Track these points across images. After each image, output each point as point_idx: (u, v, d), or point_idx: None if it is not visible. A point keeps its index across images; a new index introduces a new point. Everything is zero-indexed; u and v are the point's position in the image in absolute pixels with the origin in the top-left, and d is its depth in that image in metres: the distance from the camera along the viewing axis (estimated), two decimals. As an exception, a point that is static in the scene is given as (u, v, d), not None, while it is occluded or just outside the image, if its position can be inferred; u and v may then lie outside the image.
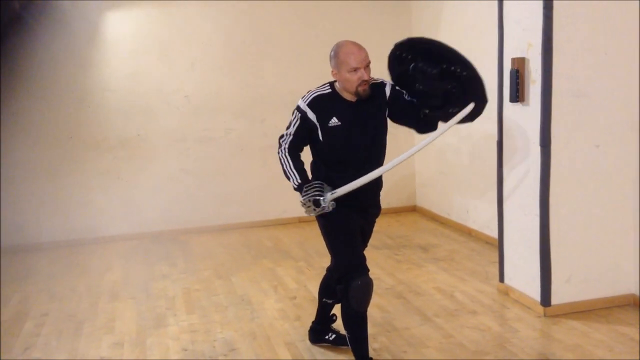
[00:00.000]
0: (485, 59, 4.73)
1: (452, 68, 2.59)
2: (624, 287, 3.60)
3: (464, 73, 2.59)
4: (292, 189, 2.83)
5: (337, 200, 2.69)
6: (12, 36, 5.37)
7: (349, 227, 2.79)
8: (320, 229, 2.90)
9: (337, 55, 2.69)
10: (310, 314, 3.58)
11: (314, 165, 2.88)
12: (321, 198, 2.65)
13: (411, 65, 2.67)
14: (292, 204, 6.22)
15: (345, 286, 2.76)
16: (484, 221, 5.20)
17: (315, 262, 4.81)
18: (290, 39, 6.06)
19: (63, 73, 5.56)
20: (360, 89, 2.65)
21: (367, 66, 2.65)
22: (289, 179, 2.82)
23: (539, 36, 3.31)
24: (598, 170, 3.47)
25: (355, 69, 2.62)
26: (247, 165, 6.10)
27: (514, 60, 3.53)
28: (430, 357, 3.08)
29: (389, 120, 2.85)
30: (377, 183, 2.86)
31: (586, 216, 3.49)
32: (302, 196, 2.71)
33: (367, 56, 2.66)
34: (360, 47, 2.68)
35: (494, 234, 4.29)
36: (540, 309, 3.52)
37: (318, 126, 2.72)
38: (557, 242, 3.46)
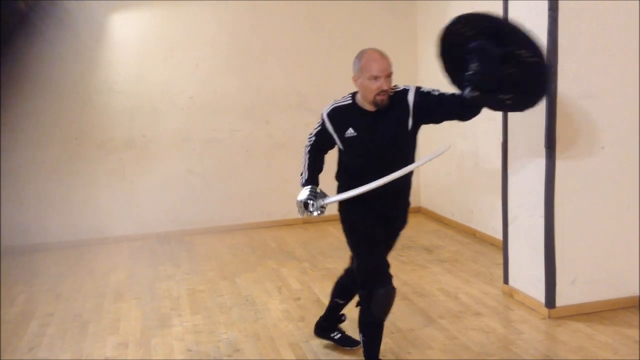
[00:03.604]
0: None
1: (519, 52, 2.48)
2: (629, 289, 3.59)
3: (531, 59, 2.48)
4: (300, 185, 2.91)
5: (363, 206, 2.74)
6: (18, 37, 5.39)
7: (373, 233, 2.76)
8: (344, 232, 2.89)
9: (360, 61, 2.64)
10: (314, 315, 3.59)
11: (337, 172, 2.92)
12: (310, 202, 2.75)
13: (472, 43, 2.54)
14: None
15: (368, 293, 2.72)
16: (488, 222, 5.19)
17: (319, 263, 4.81)
18: (295, 40, 6.07)
19: (69, 74, 5.58)
20: (378, 98, 2.60)
21: (388, 76, 2.60)
22: (301, 175, 2.91)
23: (545, 37, 3.30)
24: (603, 171, 3.46)
25: (376, 77, 2.57)
26: (252, 166, 6.11)
27: (518, 61, 3.51)
28: (434, 358, 3.07)
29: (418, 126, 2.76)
30: (399, 196, 2.83)
31: (591, 218, 3.48)
32: (299, 196, 2.79)
33: (389, 66, 2.61)
34: (383, 56, 2.62)
35: (499, 235, 4.28)
36: (545, 310, 3.51)
37: (336, 137, 2.75)
38: (561, 243, 3.45)
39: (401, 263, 4.68)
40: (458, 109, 2.66)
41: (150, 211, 5.90)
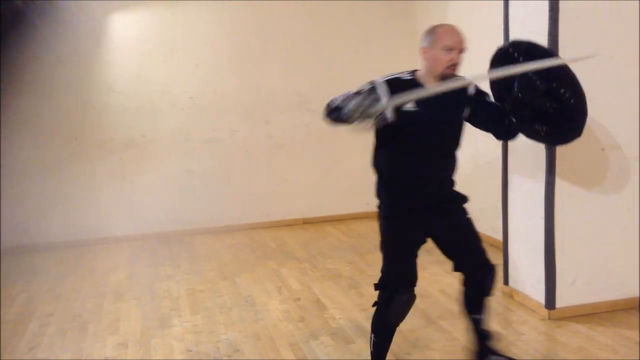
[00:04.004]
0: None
1: (561, 90, 2.52)
2: (629, 290, 3.59)
3: (571, 100, 2.53)
4: (340, 119, 2.40)
5: (397, 208, 2.60)
6: (17, 36, 5.39)
7: (405, 240, 2.65)
8: (380, 232, 2.70)
9: (434, 32, 2.52)
10: (314, 315, 3.59)
11: (377, 161, 2.68)
12: (373, 105, 2.28)
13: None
14: (297, 205, 6.25)
15: (389, 296, 2.65)
16: (488, 223, 5.18)
17: (320, 264, 4.81)
18: (294, 40, 6.07)
19: (68, 74, 5.58)
20: (447, 71, 2.48)
21: (461, 51, 2.49)
22: (339, 111, 2.38)
23: (545, 38, 3.31)
24: (603, 173, 3.46)
25: (451, 49, 2.45)
26: (252, 166, 6.11)
27: (519, 63, 3.52)
28: (435, 359, 3.07)
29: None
30: (441, 173, 2.65)
31: (591, 219, 3.48)
32: (352, 103, 2.30)
33: (463, 41, 2.50)
34: (456, 29, 2.52)
35: (499, 236, 4.27)
36: (545, 311, 3.51)
37: (389, 109, 2.41)
38: (561, 245, 3.45)
39: (401, 264, 4.68)
40: (499, 124, 2.66)
41: (150, 211, 5.90)
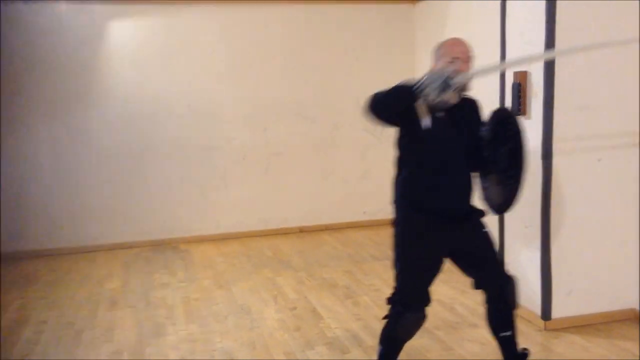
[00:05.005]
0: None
1: (509, 172, 2.60)
2: (625, 301, 3.59)
3: (511, 181, 2.60)
4: (407, 96, 2.42)
5: (415, 220, 2.59)
6: (14, 42, 5.39)
7: (421, 256, 2.63)
8: (394, 250, 2.70)
9: (440, 47, 2.62)
10: (310, 325, 3.58)
11: (398, 178, 2.69)
12: (449, 78, 2.35)
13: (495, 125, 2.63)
14: (293, 214, 6.25)
15: (399, 311, 2.65)
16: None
17: (316, 272, 4.80)
18: (293, 48, 6.08)
19: (66, 80, 5.57)
20: None
21: (467, 60, 2.55)
22: (391, 99, 2.46)
23: (542, 49, 3.33)
24: (600, 183, 3.47)
25: (456, 59, 2.52)
26: (249, 174, 6.11)
27: (516, 73, 3.54)
28: (430, 369, 3.06)
29: None
30: (460, 185, 2.64)
31: (587, 230, 3.49)
32: (427, 79, 2.36)
33: (468, 50, 2.57)
34: (461, 41, 2.61)
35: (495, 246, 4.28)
36: (541, 322, 3.51)
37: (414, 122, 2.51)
38: (558, 255, 3.46)
39: (397, 273, 4.68)
40: (477, 156, 2.66)
41: (145, 219, 5.89)
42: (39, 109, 5.53)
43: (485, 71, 2.53)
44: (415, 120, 2.52)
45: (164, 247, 5.79)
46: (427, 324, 3.59)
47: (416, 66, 6.33)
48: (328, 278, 4.64)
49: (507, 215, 3.79)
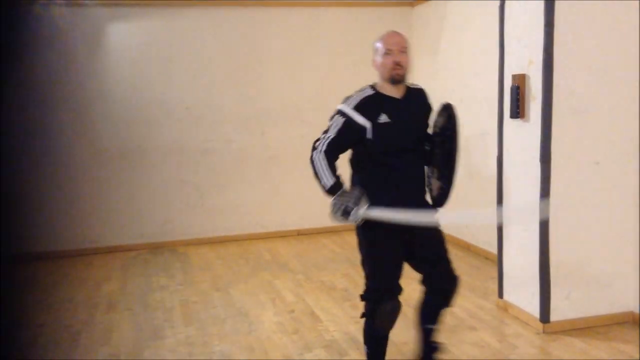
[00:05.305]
0: (486, 75, 4.78)
1: (442, 171, 2.71)
2: (624, 304, 3.59)
3: (440, 181, 2.72)
4: (323, 191, 2.60)
5: (385, 225, 2.59)
6: (13, 43, 5.39)
7: (385, 248, 2.67)
8: (360, 247, 2.77)
9: (379, 40, 2.67)
10: (308, 328, 3.57)
11: (354, 168, 2.76)
12: (353, 209, 2.49)
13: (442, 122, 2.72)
14: (291, 217, 6.24)
15: (373, 306, 2.69)
16: (482, 236, 5.19)
17: (314, 275, 4.79)
18: (291, 52, 6.09)
19: (64, 83, 5.57)
20: (394, 72, 2.60)
21: (402, 51, 2.61)
22: (320, 180, 2.59)
23: (540, 53, 3.34)
24: (598, 186, 3.48)
25: (390, 51, 2.59)
26: (247, 177, 6.10)
27: (514, 76, 3.55)
28: (428, 372, 3.05)
29: None
30: (414, 182, 2.72)
31: (586, 233, 3.49)
32: (335, 198, 2.54)
33: (403, 41, 2.63)
34: (396, 33, 2.67)
35: (493, 249, 4.28)
36: (540, 325, 3.51)
37: (368, 126, 2.59)
38: (556, 258, 3.46)
39: (395, 276, 4.68)
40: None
41: (143, 221, 5.88)
42: (39, 111, 5.52)
43: (391, 217, 2.55)
44: (360, 138, 2.61)
45: (162, 250, 5.79)
46: (426, 327, 3.60)
47: (414, 69, 6.34)
48: (326, 281, 4.63)
49: (506, 219, 3.79)
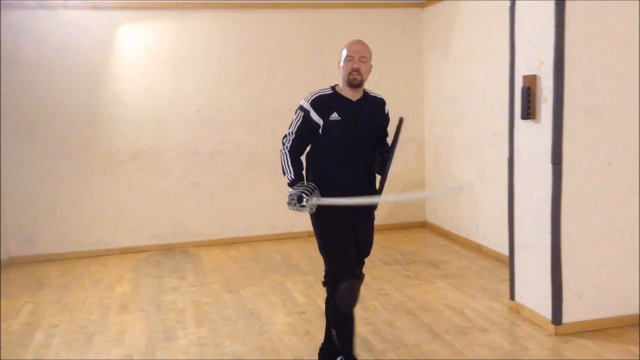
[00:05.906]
0: (497, 76, 4.77)
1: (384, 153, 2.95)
2: (637, 306, 3.57)
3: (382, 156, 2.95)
4: (287, 184, 2.98)
5: (336, 211, 2.85)
6: (25, 46, 5.45)
7: (338, 232, 2.91)
8: (316, 234, 3.01)
9: (343, 49, 2.94)
10: (319, 329, 3.58)
11: (308, 159, 3.05)
12: (305, 197, 2.81)
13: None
14: (302, 218, 6.24)
15: (333, 288, 2.89)
16: (494, 238, 5.18)
17: (325, 277, 4.80)
18: (301, 53, 6.11)
19: (76, 85, 5.63)
20: (351, 77, 2.85)
21: (361, 59, 2.86)
22: (284, 173, 3.01)
23: (551, 54, 3.33)
24: (610, 188, 3.46)
25: (351, 57, 2.85)
26: (258, 178, 6.13)
27: (525, 77, 3.54)
28: (440, 374, 3.06)
29: None
30: (358, 174, 2.95)
31: (598, 234, 3.47)
32: (292, 190, 2.89)
33: (363, 50, 2.88)
34: (359, 42, 2.93)
35: (505, 250, 4.27)
36: (551, 327, 3.49)
37: (321, 122, 2.89)
38: (568, 260, 3.44)
39: (407, 278, 4.67)
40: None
41: (155, 223, 5.92)
42: (48, 113, 5.58)
43: (338, 203, 2.84)
44: (314, 132, 2.93)
45: (174, 251, 5.82)
46: (437, 329, 3.61)
47: (424, 70, 6.34)
48: (337, 282, 4.63)
49: (517, 220, 3.79)
